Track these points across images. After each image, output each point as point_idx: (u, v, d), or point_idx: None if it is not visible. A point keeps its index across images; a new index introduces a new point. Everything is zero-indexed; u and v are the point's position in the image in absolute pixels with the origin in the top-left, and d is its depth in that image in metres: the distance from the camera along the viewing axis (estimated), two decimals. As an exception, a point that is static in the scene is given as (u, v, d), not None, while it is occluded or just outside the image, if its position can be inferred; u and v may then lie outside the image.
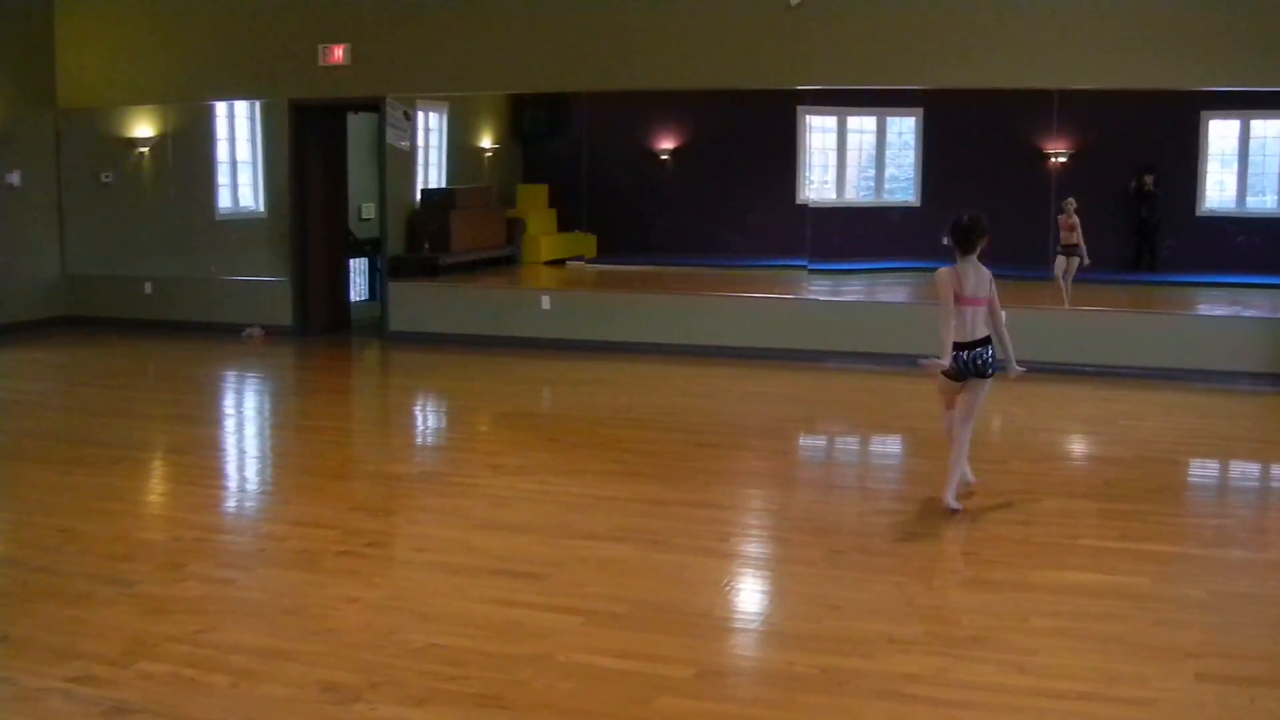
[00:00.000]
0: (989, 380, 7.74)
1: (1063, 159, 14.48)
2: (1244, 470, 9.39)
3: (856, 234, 16.48)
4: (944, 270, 7.64)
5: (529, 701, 4.88)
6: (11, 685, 5.00)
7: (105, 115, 16.42)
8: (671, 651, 5.36)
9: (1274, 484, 9.18)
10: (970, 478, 8.06)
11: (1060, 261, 13.73)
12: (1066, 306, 13.36)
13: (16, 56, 15.93)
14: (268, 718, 4.73)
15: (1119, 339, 12.57)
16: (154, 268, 16.37)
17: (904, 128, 16.74)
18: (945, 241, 7.83)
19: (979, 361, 7.62)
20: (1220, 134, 15.07)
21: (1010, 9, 12.67)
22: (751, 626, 5.94)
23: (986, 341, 7.66)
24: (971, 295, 7.60)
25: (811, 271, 14.55)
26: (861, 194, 16.96)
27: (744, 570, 6.85)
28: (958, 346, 7.57)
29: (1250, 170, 15.03)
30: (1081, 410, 11.19)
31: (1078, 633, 5.57)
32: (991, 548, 6.92)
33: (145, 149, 16.36)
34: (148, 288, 16.30)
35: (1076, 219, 13.74)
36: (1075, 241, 13.76)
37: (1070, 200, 13.77)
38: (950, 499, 7.64)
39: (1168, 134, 15.03)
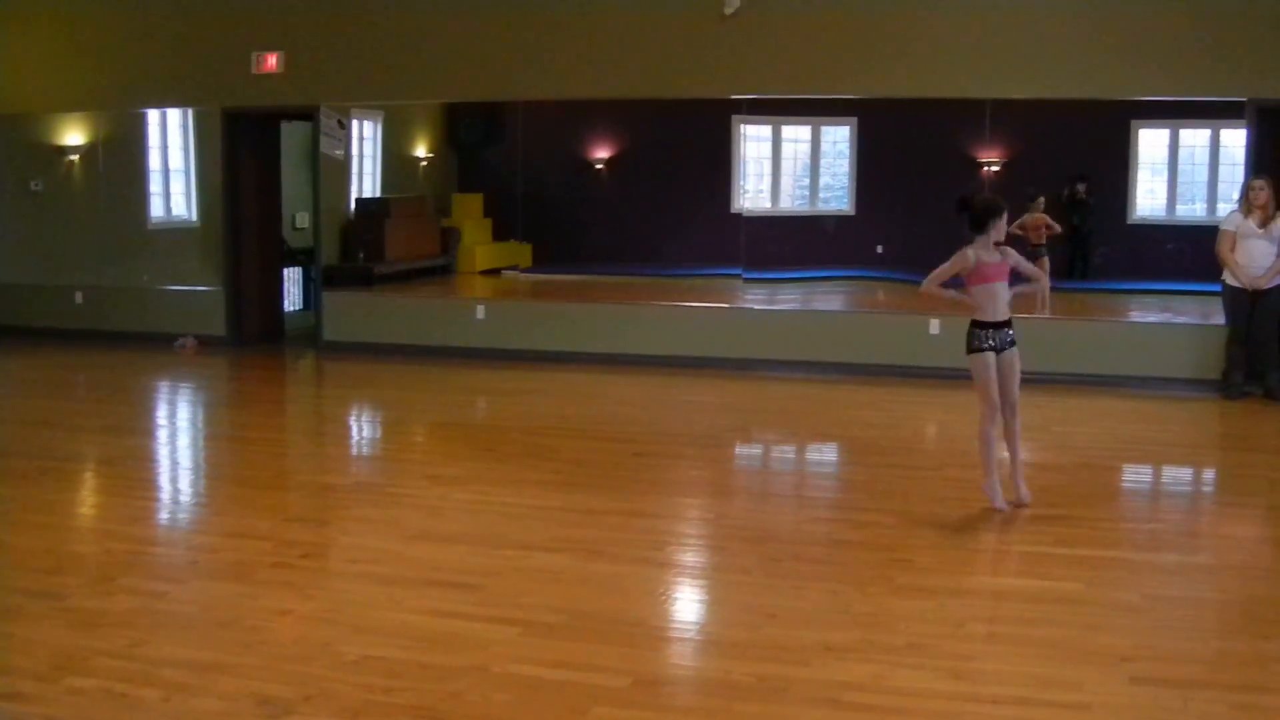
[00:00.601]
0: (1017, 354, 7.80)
1: (996, 167, 14.56)
2: (1176, 475, 9.48)
3: (791, 243, 16.53)
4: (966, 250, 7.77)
5: (465, 713, 4.84)
6: (-63, 702, 4.94)
7: (35, 122, 16.24)
8: (608, 661, 5.34)
9: (1205, 489, 9.27)
10: (1000, 493, 7.90)
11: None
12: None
13: (-56, 63, 15.77)
14: (201, 731, 4.69)
15: (1052, 346, 12.63)
16: (85, 277, 16.20)
17: (838, 137, 16.81)
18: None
19: (1007, 339, 7.76)
20: (1150, 143, 15.21)
21: (944, 20, 12.76)
22: (688, 635, 5.94)
23: (1009, 324, 7.76)
24: (993, 272, 7.70)
25: (747, 280, 14.57)
26: (796, 203, 17.01)
27: (680, 579, 6.83)
28: (984, 325, 7.71)
29: (1180, 179, 15.17)
30: (1015, 417, 11.24)
31: (1013, 638, 5.59)
32: (927, 554, 6.93)
33: (76, 157, 16.20)
34: (78, 297, 16.13)
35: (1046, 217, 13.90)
36: (1042, 240, 13.90)
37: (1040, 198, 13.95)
38: (1024, 491, 7.84)
39: (1099, 143, 15.16)
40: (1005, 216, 7.77)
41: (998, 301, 7.71)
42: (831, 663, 5.32)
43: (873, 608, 6.06)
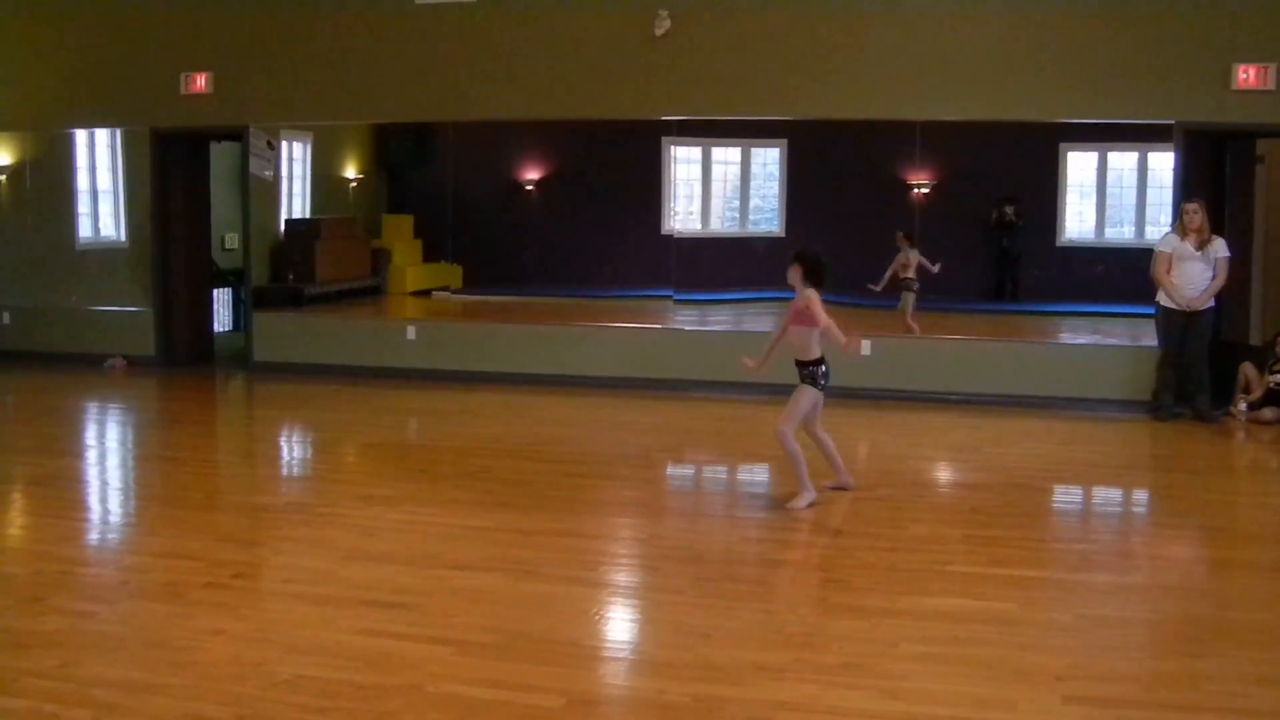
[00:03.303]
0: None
1: (925, 189, 14.67)
2: (1107, 496, 9.53)
3: (722, 264, 16.57)
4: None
5: (399, 733, 4.83)
6: None
7: (-40, 142, 16.12)
8: (542, 681, 5.33)
9: (1136, 509, 9.33)
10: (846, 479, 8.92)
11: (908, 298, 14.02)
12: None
13: None
14: (132, 753, 4.65)
15: (983, 367, 12.76)
16: (13, 297, 16.07)
17: (768, 158, 16.87)
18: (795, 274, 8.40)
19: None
20: (1079, 166, 15.35)
21: (874, 41, 12.84)
22: (622, 655, 5.93)
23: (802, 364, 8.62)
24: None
25: (677, 301, 14.60)
26: (727, 224, 17.06)
27: (613, 599, 6.84)
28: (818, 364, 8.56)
29: (1109, 201, 15.32)
30: (947, 438, 11.31)
31: (947, 658, 5.62)
32: (860, 574, 6.96)
33: (3, 176, 16.06)
34: (6, 317, 15.99)
35: (915, 253, 14.01)
36: (914, 275, 13.99)
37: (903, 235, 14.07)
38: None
39: (1028, 165, 15.30)
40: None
41: (789, 343, 8.67)
42: (766, 682, 5.33)
43: (806, 628, 6.09)
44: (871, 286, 14.16)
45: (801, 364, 8.48)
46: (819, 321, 8.33)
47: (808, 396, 8.46)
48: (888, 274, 14.18)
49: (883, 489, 9.15)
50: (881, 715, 4.99)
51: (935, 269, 13.94)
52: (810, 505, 8.38)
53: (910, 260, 14.10)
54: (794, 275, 8.48)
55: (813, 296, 8.37)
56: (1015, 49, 12.50)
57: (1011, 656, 5.64)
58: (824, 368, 8.47)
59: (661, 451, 10.95)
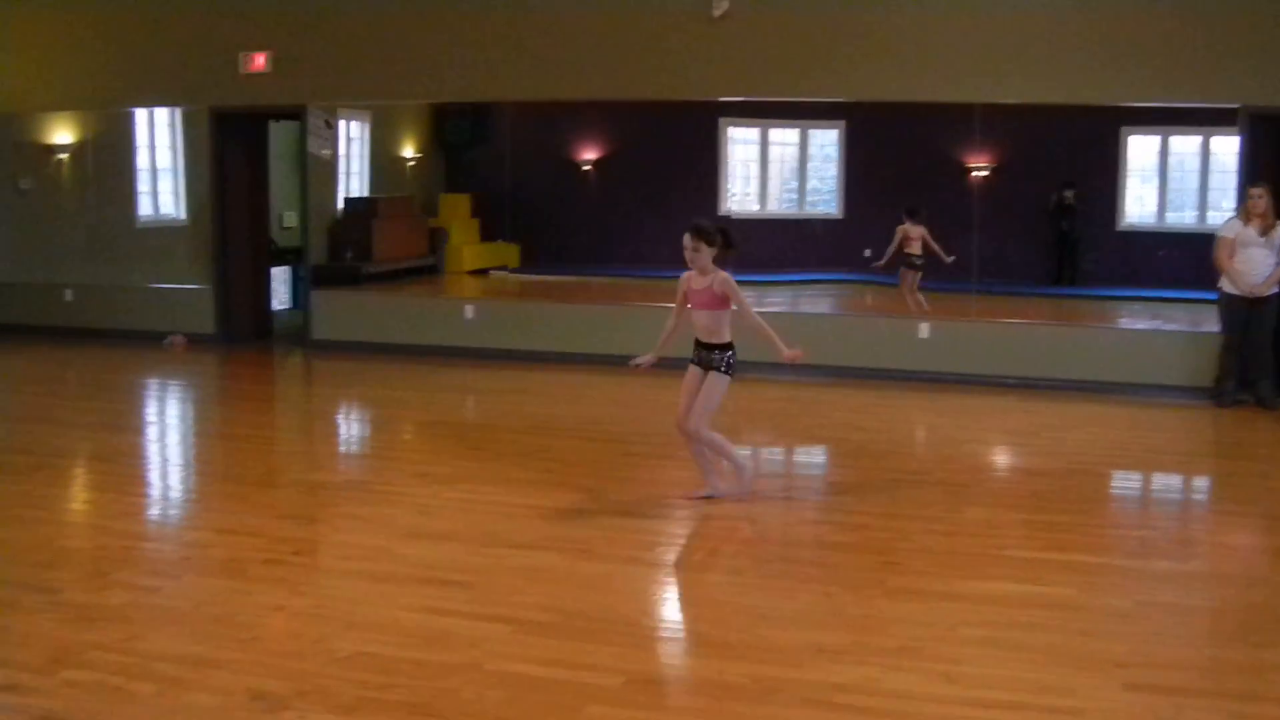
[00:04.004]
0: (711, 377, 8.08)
1: (984, 173, 14.59)
2: (1167, 482, 9.48)
3: (779, 246, 16.54)
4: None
5: (458, 710, 4.85)
6: (-66, 693, 4.94)
7: (24, 121, 16.25)
8: (600, 660, 5.34)
9: (1196, 496, 9.26)
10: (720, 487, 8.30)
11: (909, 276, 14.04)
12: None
13: (-67, 61, 15.76)
14: (196, 726, 4.69)
15: (1041, 352, 12.66)
16: (74, 275, 16.20)
17: (826, 140, 16.83)
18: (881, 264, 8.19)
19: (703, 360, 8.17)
20: (1140, 150, 15.25)
21: (933, 24, 12.74)
22: (680, 635, 5.96)
23: (708, 347, 8.14)
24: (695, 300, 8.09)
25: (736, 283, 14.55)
26: (784, 206, 17.03)
27: (671, 579, 6.84)
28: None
29: (1170, 185, 15.21)
30: (1006, 422, 11.26)
31: (1006, 643, 5.59)
32: (918, 558, 6.94)
33: (65, 155, 16.19)
34: (68, 295, 16.12)
35: (921, 229, 13.99)
36: (917, 251, 13.96)
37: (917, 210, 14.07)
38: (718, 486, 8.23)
39: (1088, 149, 15.20)
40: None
41: (697, 325, 8.09)
42: (824, 664, 5.32)
43: (865, 610, 6.07)
44: (875, 263, 14.20)
45: (709, 347, 8.02)
46: (743, 306, 7.94)
47: (720, 386, 8.02)
48: (890, 249, 14.21)
49: (940, 473, 9.13)
50: (940, 699, 4.97)
51: (949, 259, 13.89)
52: (733, 494, 8.20)
53: (913, 235, 14.07)
54: (703, 254, 7.86)
55: (729, 278, 7.88)
56: (1077, 31, 12.36)
57: (1071, 642, 5.60)
58: (733, 353, 8.04)
59: (719, 432, 10.93)
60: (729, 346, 8.01)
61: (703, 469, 8.27)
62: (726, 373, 8.02)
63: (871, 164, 16.15)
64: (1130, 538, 7.68)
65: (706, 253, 7.86)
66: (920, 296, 14.23)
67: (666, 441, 10.38)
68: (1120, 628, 5.88)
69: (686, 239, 7.86)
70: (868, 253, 14.84)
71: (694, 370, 8.10)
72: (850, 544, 7.27)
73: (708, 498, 8.18)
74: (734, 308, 7.96)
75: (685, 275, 8.04)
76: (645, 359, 8.39)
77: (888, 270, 14.56)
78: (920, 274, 14.16)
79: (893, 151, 15.63)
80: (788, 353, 8.09)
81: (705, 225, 7.94)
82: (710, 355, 8.00)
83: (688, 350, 8.17)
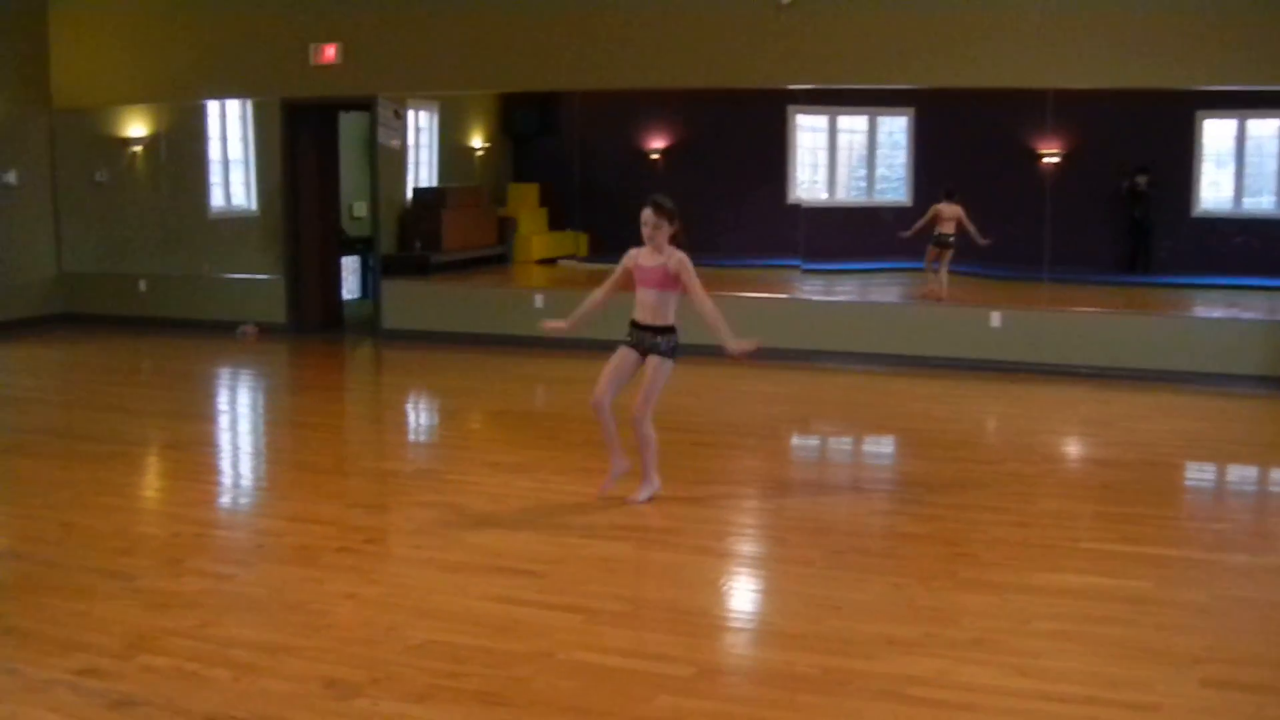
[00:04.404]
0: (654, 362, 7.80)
1: (1055, 159, 14.46)
2: (1243, 474, 9.35)
3: (849, 234, 16.47)
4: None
5: (530, 699, 4.86)
6: (18, 676, 5.02)
7: (99, 115, 16.43)
8: (672, 650, 5.34)
9: (1273, 488, 9.13)
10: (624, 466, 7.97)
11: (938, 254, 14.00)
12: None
13: (12, 57, 15.96)
14: (271, 712, 4.71)
15: (1115, 341, 12.55)
16: (148, 265, 16.38)
17: (895, 127, 16.74)
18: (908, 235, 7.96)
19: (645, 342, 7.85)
20: (1216, 134, 15.05)
21: (1004, 8, 12.63)
22: (751, 626, 5.94)
23: (652, 330, 7.83)
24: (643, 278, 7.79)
25: (805, 271, 14.54)
26: (853, 194, 16.96)
27: (742, 569, 6.84)
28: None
29: (1247, 170, 15.01)
30: (1078, 412, 11.17)
31: (1080, 636, 5.54)
32: (990, 549, 6.89)
33: (139, 148, 16.35)
34: (142, 285, 16.29)
35: (957, 209, 13.93)
36: (950, 231, 13.89)
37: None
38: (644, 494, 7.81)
39: (1162, 134, 15.03)
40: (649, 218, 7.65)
41: (642, 305, 7.77)
42: (895, 656, 5.29)
43: (936, 602, 6.03)
44: (903, 234, 14.18)
45: (653, 330, 7.73)
46: (696, 289, 7.62)
47: (665, 371, 7.75)
48: (920, 223, 14.16)
49: (1012, 463, 9.07)
50: (1013, 693, 4.93)
51: (984, 242, 13.82)
52: (651, 498, 7.84)
53: (948, 214, 14.00)
54: (662, 232, 7.56)
55: (685, 259, 7.59)
56: (1152, 13, 12.20)
57: (1146, 636, 5.54)
58: (676, 336, 7.77)
59: (788, 422, 10.93)
60: (672, 330, 7.74)
61: (611, 447, 7.92)
62: (670, 357, 7.75)
63: (941, 151, 16.04)
64: (1207, 530, 7.58)
65: (666, 231, 7.56)
66: (945, 276, 14.13)
67: (736, 431, 10.40)
68: (1197, 622, 5.80)
69: (648, 214, 7.56)
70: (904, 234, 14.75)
71: (628, 353, 7.83)
72: (921, 535, 7.22)
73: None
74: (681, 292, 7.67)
75: (633, 252, 7.73)
76: (558, 324, 8.08)
77: (914, 244, 14.50)
78: (951, 252, 14.08)
79: (962, 138, 15.51)
80: (735, 345, 7.70)
81: (665, 202, 7.62)
82: (653, 338, 7.72)
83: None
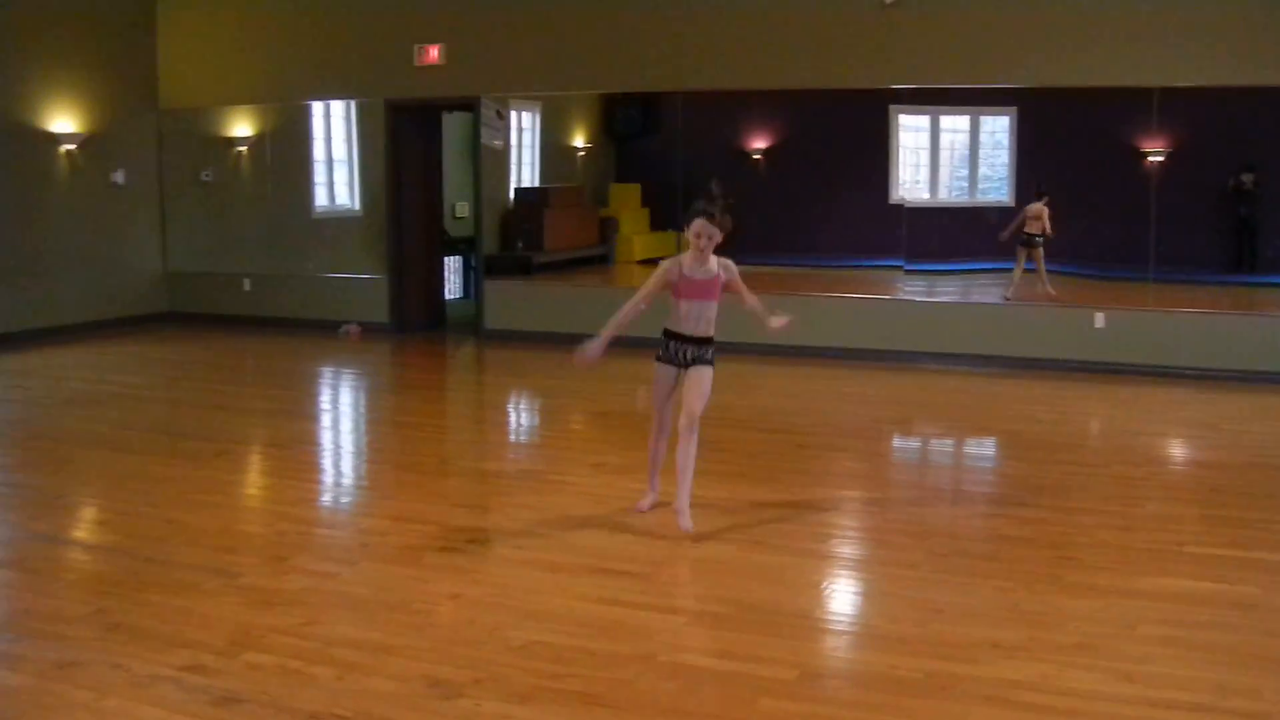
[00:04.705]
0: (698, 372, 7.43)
1: (1159, 158, 14.29)
2: (1352, 477, 9.21)
3: (951, 234, 16.37)
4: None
5: (632, 701, 4.87)
6: (125, 672, 5.09)
7: (205, 115, 16.65)
8: (774, 653, 5.34)
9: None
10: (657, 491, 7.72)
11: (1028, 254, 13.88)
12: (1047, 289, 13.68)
13: (120, 59, 16.20)
14: (374, 710, 4.75)
15: (1220, 342, 12.40)
16: (253, 265, 16.58)
17: (997, 127, 16.60)
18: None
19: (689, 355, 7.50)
20: (1326, 132, 14.82)
21: (1108, 6, 12.52)
22: (853, 629, 5.90)
23: (696, 341, 7.47)
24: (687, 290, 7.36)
25: (908, 272, 14.47)
26: (955, 194, 16.85)
27: (844, 572, 6.81)
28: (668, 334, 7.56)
29: (1358, 167, 14.74)
30: (1183, 414, 11.05)
31: (1187, 642, 5.47)
32: (1094, 553, 6.83)
33: (244, 148, 16.56)
34: (247, 284, 16.50)
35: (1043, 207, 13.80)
36: (1037, 231, 13.77)
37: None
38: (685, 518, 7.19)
39: (1270, 132, 14.80)
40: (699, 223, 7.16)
41: (690, 318, 7.37)
42: (1000, 661, 5.26)
43: (1041, 606, 5.98)
44: (1001, 234, 14.09)
45: (700, 342, 7.40)
46: (745, 291, 7.42)
47: (710, 376, 7.41)
48: (1013, 225, 14.03)
49: (1117, 465, 8.98)
50: (1118, 699, 4.88)
51: (1050, 235, 13.78)
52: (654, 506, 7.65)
53: (1035, 214, 13.89)
54: (715, 242, 7.16)
55: (732, 265, 7.32)
56: (1257, 11, 12.06)
57: (1255, 642, 5.46)
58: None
59: (891, 424, 10.89)
60: (713, 338, 7.41)
61: (654, 469, 7.78)
62: (712, 364, 7.43)
63: (1044, 150, 15.89)
64: (1316, 535, 7.48)
65: (714, 237, 7.13)
66: (1044, 274, 14.00)
67: (838, 433, 10.37)
68: (1308, 629, 5.72)
69: (702, 225, 7.09)
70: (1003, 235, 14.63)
71: (668, 369, 7.55)
72: (1025, 538, 7.17)
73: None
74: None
75: (674, 263, 7.27)
76: (594, 350, 7.53)
77: (1007, 246, 14.40)
78: (1040, 251, 13.98)
79: (1065, 137, 15.35)
80: (776, 323, 7.46)
81: (719, 210, 7.15)
82: (699, 350, 7.41)
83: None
